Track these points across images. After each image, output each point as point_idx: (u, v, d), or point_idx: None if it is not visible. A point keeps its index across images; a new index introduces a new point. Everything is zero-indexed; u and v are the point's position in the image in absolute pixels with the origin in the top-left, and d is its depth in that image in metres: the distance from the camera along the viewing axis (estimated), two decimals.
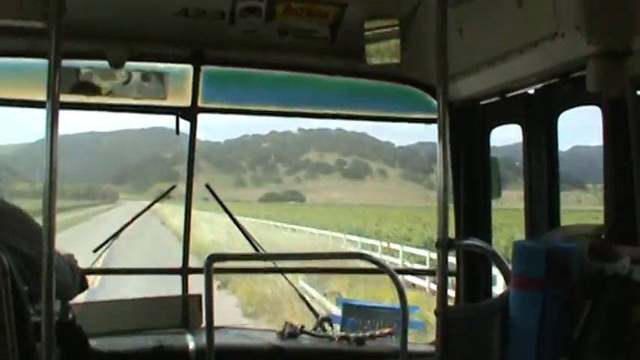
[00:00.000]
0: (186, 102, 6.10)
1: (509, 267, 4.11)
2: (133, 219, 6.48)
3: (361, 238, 46.98)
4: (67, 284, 4.69)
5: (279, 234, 45.76)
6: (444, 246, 4.05)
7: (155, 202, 6.69)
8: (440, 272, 4.09)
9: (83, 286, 5.03)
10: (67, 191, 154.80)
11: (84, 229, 51.47)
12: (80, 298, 5.39)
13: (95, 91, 6.02)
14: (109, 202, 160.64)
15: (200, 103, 6.11)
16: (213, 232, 46.44)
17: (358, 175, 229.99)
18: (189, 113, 6.08)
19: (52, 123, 3.45)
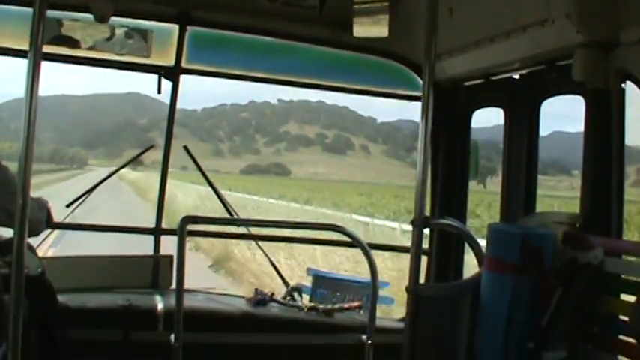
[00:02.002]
0: (170, 62, 6.03)
1: (483, 249, 4.14)
2: (109, 176, 6.44)
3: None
4: (36, 219, 4.71)
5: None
6: (420, 224, 4.06)
7: (131, 161, 6.66)
8: (414, 250, 4.10)
9: (49, 220, 5.05)
10: None
11: None
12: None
13: (76, 44, 5.93)
14: (76, 167, 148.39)
15: (184, 64, 6.04)
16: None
17: (340, 150, 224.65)
18: (172, 73, 6.01)
19: (34, 73, 3.41)
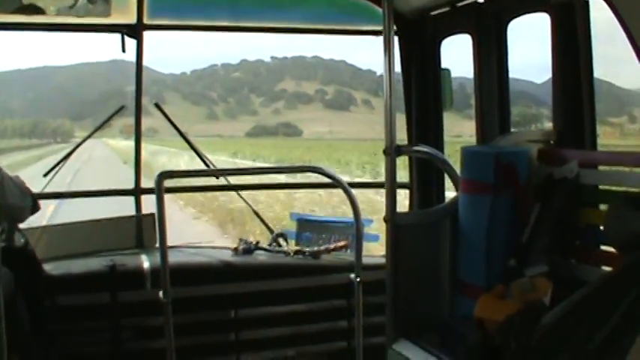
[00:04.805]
0: (132, 20, 5.94)
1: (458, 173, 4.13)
2: (82, 141, 6.37)
3: None
4: (18, 206, 4.65)
5: None
6: (391, 153, 4.04)
7: (103, 124, 6.55)
8: (389, 179, 4.09)
9: (34, 208, 4.97)
10: (7, 128, 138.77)
11: None
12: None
13: (39, 12, 5.83)
14: (60, 141, 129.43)
15: (146, 20, 5.95)
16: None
17: (342, 105, 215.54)
18: (135, 31, 5.92)
19: None
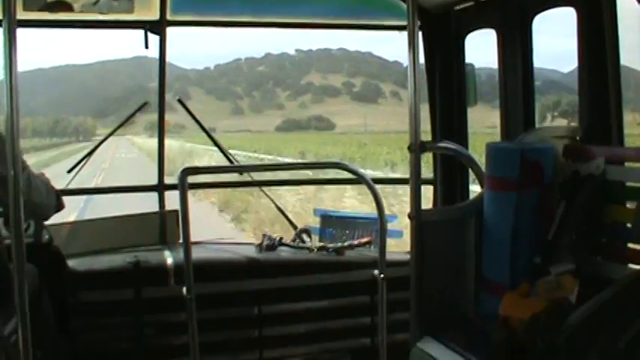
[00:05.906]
0: (154, 16, 5.93)
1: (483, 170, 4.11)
2: (106, 137, 6.41)
3: None
4: (44, 204, 4.63)
5: None
6: (416, 149, 4.02)
7: (126, 120, 6.59)
8: (413, 176, 4.07)
9: (59, 206, 4.97)
10: (27, 126, 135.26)
11: None
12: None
13: (68, 8, 5.83)
14: (82, 139, 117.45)
15: (169, 17, 5.95)
16: None
17: (370, 98, 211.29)
18: (158, 27, 5.92)
19: (10, 41, 3.33)
